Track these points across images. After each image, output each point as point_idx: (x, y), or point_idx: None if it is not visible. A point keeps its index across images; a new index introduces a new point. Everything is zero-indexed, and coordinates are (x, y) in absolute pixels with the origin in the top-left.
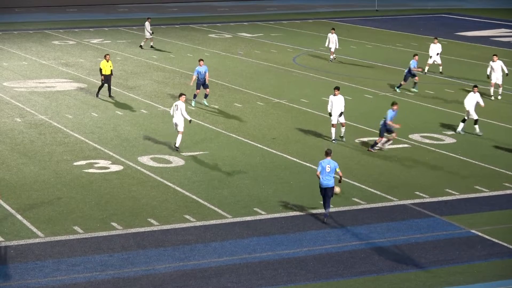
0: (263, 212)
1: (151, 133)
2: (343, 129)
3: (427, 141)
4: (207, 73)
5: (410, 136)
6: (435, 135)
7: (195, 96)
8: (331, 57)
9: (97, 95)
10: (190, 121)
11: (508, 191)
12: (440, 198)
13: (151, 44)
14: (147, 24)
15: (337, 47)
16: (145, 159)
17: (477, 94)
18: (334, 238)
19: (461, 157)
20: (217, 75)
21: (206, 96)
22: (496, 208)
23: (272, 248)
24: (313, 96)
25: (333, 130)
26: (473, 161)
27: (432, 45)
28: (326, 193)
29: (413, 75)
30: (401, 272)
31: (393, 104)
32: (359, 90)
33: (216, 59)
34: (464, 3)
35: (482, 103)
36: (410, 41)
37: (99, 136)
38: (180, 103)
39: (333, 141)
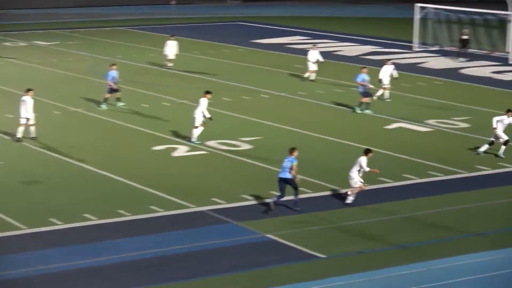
0: (59, 222)
1: None
2: None
3: (224, 147)
4: None
5: (206, 143)
6: (232, 142)
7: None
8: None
9: None
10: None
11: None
12: (236, 204)
13: None
14: None
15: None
16: None
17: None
18: (130, 247)
19: (259, 164)
20: (12, 84)
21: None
22: (287, 213)
23: (68, 259)
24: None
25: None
26: (270, 167)
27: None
28: None
29: None
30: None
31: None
32: (157, 98)
33: (11, 68)
34: (262, 11)
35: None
36: (208, 49)
37: None
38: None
39: None
